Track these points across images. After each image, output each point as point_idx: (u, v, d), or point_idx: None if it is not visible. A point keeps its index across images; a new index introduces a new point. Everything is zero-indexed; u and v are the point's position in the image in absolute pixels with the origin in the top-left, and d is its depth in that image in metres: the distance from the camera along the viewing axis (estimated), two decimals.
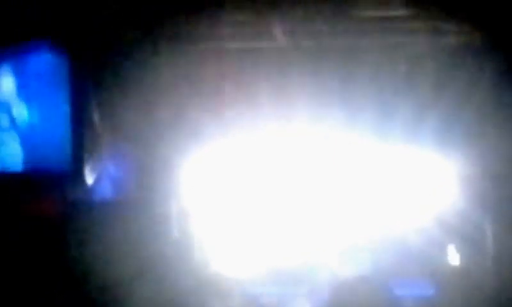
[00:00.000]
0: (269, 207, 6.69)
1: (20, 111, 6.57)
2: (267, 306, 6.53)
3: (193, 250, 6.59)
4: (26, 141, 6.55)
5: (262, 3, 6.25)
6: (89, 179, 6.58)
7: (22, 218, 6.36)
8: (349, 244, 6.61)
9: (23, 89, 6.57)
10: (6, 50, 6.53)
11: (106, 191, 6.69)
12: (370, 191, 6.62)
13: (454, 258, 6.43)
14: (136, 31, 6.55)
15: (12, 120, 6.59)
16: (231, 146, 6.65)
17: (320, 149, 6.58)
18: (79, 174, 6.50)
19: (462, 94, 6.37)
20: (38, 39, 6.52)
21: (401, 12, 6.32)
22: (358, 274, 6.24)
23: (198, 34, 6.47)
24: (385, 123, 6.39)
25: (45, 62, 6.57)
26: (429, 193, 6.57)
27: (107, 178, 6.71)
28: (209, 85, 6.57)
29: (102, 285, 6.26)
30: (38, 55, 6.57)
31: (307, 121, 6.41)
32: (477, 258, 6.30)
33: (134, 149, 6.71)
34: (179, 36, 6.51)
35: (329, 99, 6.39)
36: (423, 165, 6.57)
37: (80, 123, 6.53)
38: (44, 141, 6.53)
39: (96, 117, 6.68)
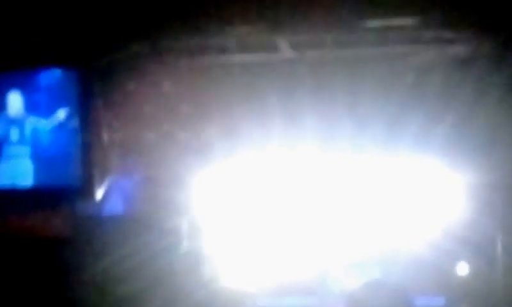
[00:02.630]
0: (279, 220, 6.68)
1: (30, 126, 6.63)
2: None
3: (203, 263, 6.58)
4: (36, 156, 6.60)
5: (267, 15, 6.27)
6: (99, 194, 6.61)
7: (31, 233, 6.40)
8: (360, 256, 6.59)
9: (33, 104, 6.62)
10: (17, 66, 6.60)
11: (116, 206, 6.71)
12: (380, 203, 6.59)
13: (464, 268, 6.39)
14: (143, 45, 6.58)
15: (22, 135, 6.64)
16: (240, 160, 6.64)
17: (329, 162, 6.56)
18: (88, 189, 6.54)
19: (471, 103, 6.33)
20: (47, 55, 6.57)
21: (408, 22, 6.30)
22: (369, 286, 6.24)
23: (204, 47, 6.49)
24: (394, 134, 6.36)
25: (54, 77, 6.63)
26: (439, 204, 6.54)
27: (117, 193, 6.73)
28: (216, 99, 6.58)
29: (114, 300, 6.28)
30: (47, 71, 6.63)
31: (315, 134, 6.40)
32: (487, 269, 6.25)
33: (144, 164, 6.73)
34: (185, 49, 6.53)
35: (336, 110, 6.37)
36: (433, 176, 6.54)
37: (89, 138, 6.57)
38: (53, 156, 6.58)
39: (105, 132, 6.71)
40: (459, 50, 6.41)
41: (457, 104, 6.32)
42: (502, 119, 6.33)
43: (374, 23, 6.35)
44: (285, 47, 6.46)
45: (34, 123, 6.62)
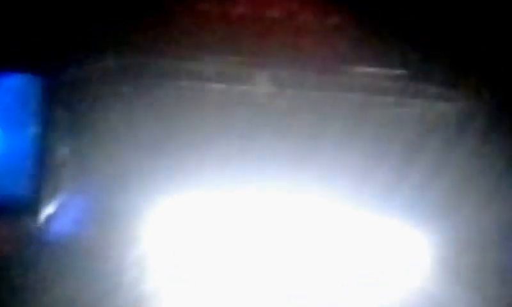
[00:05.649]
0: (241, 266, 6.27)
1: None
2: None
3: (154, 299, 6.14)
4: None
5: (249, 47, 6.06)
6: (47, 211, 6.17)
7: None
8: None
9: None
10: None
11: (65, 228, 6.26)
12: (337, 262, 6.23)
13: None
14: (114, 62, 6.25)
15: None
16: (202, 193, 6.25)
17: (299, 209, 6.21)
18: (36, 204, 6.08)
19: (439, 161, 6.14)
20: (9, 61, 6.18)
21: (393, 72, 6.16)
22: None
23: (177, 71, 6.20)
24: (361, 189, 6.10)
25: (15, 82, 6.20)
26: (400, 266, 6.25)
27: (67, 214, 6.29)
28: (186, 125, 6.25)
29: None
30: (9, 75, 6.21)
31: (281, 174, 6.09)
32: None
33: (101, 187, 6.30)
34: (157, 71, 6.23)
35: (305, 153, 6.09)
36: (394, 237, 6.25)
37: (45, 150, 6.15)
38: (3, 164, 6.13)
39: (63, 146, 6.30)
40: (443, 106, 6.25)
41: (426, 161, 6.12)
42: (471, 176, 6.13)
43: (359, 69, 6.18)
44: (263, 80, 6.21)
45: None
